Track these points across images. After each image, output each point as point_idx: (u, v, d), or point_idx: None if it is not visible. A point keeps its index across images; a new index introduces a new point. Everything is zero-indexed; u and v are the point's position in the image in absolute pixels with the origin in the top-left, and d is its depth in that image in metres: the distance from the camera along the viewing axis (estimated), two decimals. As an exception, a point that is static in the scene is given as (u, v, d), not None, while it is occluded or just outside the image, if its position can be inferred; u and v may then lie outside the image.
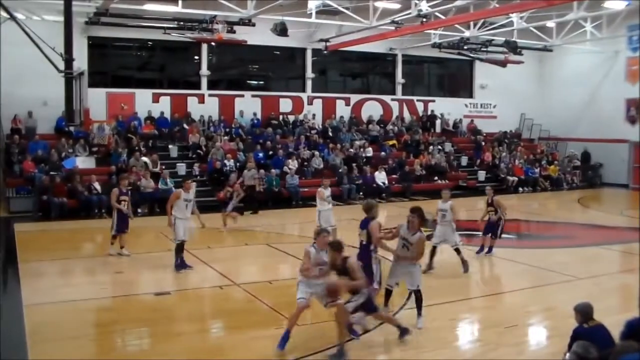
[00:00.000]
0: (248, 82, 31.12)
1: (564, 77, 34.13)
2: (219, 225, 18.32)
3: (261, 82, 31.47)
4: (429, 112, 33.17)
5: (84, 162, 23.43)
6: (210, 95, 28.54)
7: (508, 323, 9.86)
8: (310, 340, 9.14)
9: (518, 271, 13.79)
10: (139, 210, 21.50)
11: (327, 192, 16.15)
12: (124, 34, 26.07)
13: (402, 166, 27.79)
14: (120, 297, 11.48)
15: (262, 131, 28.10)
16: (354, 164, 26.69)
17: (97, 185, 21.27)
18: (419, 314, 9.72)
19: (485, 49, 31.41)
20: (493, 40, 30.44)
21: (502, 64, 31.35)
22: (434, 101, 33.63)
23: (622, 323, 6.77)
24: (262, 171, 24.05)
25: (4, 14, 17.56)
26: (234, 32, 25.15)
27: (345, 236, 14.74)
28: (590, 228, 20.60)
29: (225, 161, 24.46)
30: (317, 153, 27.24)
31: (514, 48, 29.41)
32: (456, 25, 27.63)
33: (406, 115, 32.92)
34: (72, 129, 23.91)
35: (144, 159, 23.58)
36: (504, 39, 29.20)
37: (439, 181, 28.25)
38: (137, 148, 24.43)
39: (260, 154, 25.94)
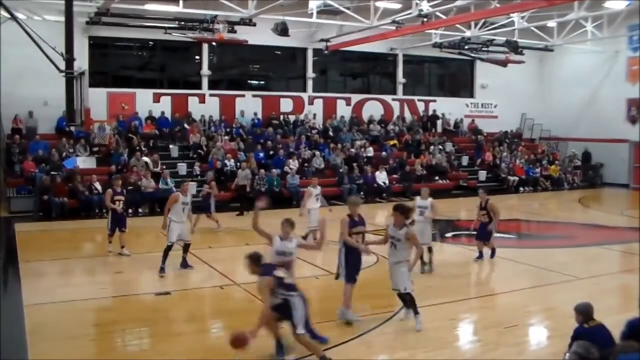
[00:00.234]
0: (249, 82, 31.13)
1: (564, 77, 34.11)
2: (216, 225, 18.30)
3: (262, 82, 31.47)
4: (431, 112, 33.14)
5: (84, 162, 23.44)
6: (211, 95, 28.54)
7: (508, 323, 9.85)
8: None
9: (518, 271, 13.78)
10: (140, 210, 21.55)
11: (316, 191, 16.20)
12: (124, 34, 26.09)
13: (403, 166, 27.78)
14: (121, 297, 11.48)
15: (262, 131, 28.10)
16: (354, 164, 26.68)
17: (97, 185, 21.26)
18: (415, 314, 9.51)
19: (486, 49, 31.41)
20: (494, 40, 30.44)
21: (503, 63, 31.33)
22: (434, 101, 33.62)
23: (623, 323, 6.77)
24: (262, 171, 24.04)
25: (5, 14, 17.57)
26: (235, 31, 25.14)
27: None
28: (590, 228, 20.59)
29: (226, 161, 24.45)
30: (317, 153, 27.23)
31: (514, 48, 29.42)
32: (457, 25, 27.62)
33: (407, 115, 32.91)
34: (72, 128, 23.92)
35: (145, 158, 23.58)
36: (504, 38, 29.21)
37: (440, 181, 28.27)
38: (137, 148, 24.44)
39: (261, 154, 25.94)
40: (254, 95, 29.54)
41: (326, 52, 28.97)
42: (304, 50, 30.40)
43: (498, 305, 11.22)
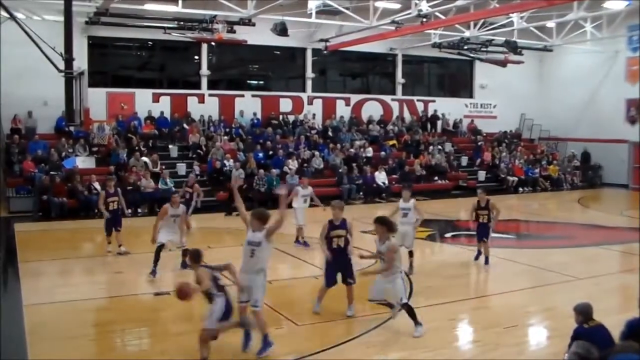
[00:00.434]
0: (248, 82, 31.14)
1: (564, 77, 34.13)
2: (216, 225, 18.31)
3: (261, 82, 31.49)
4: (431, 112, 33.15)
5: (84, 162, 23.45)
6: (210, 95, 28.55)
7: (508, 323, 9.85)
8: (309, 340, 9.15)
9: (518, 271, 13.78)
10: (139, 210, 21.53)
11: (304, 191, 16.18)
12: (124, 34, 26.10)
13: (402, 166, 27.78)
14: (120, 297, 11.48)
15: (262, 131, 28.10)
16: (354, 164, 26.68)
17: (97, 185, 21.21)
18: (415, 324, 9.32)
19: (485, 49, 31.44)
20: (493, 40, 30.47)
21: (502, 64, 31.36)
22: (434, 101, 33.64)
23: (622, 323, 6.78)
24: (261, 171, 24.03)
25: (5, 14, 17.56)
26: (234, 32, 25.17)
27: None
28: (590, 228, 20.60)
29: (225, 161, 24.45)
30: (317, 153, 27.23)
31: (514, 48, 29.43)
32: (456, 25, 27.65)
33: (406, 115, 32.92)
34: (72, 128, 23.94)
35: (144, 159, 23.59)
36: (504, 39, 29.22)
37: (439, 181, 28.28)
38: (137, 148, 24.45)
39: (260, 154, 25.93)
40: (253, 95, 29.56)
41: (325, 52, 28.98)
42: (303, 51, 30.41)
43: (497, 305, 11.21)
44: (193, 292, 7.91)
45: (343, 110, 31.33)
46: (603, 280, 12.78)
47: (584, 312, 6.95)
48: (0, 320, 9.66)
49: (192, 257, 8.45)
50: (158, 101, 27.41)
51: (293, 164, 25.55)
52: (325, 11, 25.17)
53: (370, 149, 28.78)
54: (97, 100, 25.44)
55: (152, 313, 10.32)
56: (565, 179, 31.41)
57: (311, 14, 24.81)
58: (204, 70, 28.48)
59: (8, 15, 17.41)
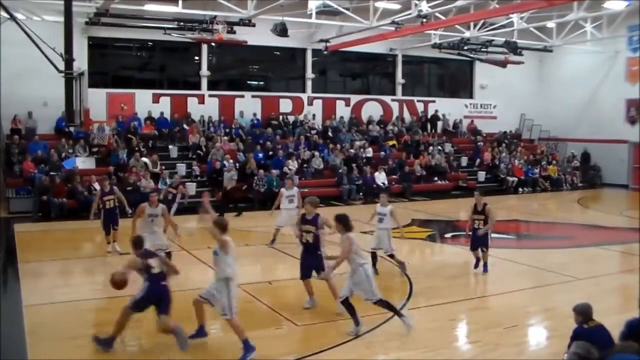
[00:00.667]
0: (248, 82, 31.14)
1: (564, 77, 34.13)
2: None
3: (261, 83, 31.50)
4: (432, 113, 33.16)
5: (83, 162, 23.45)
6: (210, 95, 28.56)
7: (508, 323, 9.86)
8: (309, 340, 9.15)
9: (518, 272, 13.79)
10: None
11: (289, 192, 16.14)
12: (124, 35, 26.12)
13: (402, 167, 27.79)
14: (120, 298, 11.39)
15: (262, 131, 28.11)
16: (354, 165, 26.68)
17: (97, 186, 21.14)
18: (399, 316, 9.37)
19: (485, 50, 31.45)
20: (493, 40, 30.48)
21: (502, 64, 31.36)
22: (434, 101, 33.66)
23: (622, 323, 6.78)
24: (261, 171, 24.04)
25: (5, 14, 17.57)
26: (234, 32, 25.19)
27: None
28: (590, 228, 20.61)
29: (225, 162, 24.45)
30: (317, 153, 27.24)
31: (514, 48, 29.43)
32: (456, 26, 27.69)
33: (406, 115, 32.93)
34: (72, 129, 23.93)
35: (144, 159, 23.58)
36: (504, 39, 29.22)
37: (439, 182, 28.28)
38: (137, 148, 24.45)
39: (260, 155, 25.93)
40: (253, 96, 29.56)
41: (325, 52, 28.99)
42: (303, 51, 30.42)
43: (497, 305, 11.22)
44: (125, 279, 8.66)
45: (343, 111, 31.34)
46: (603, 280, 12.79)
47: (583, 313, 6.96)
48: (0, 321, 9.66)
49: (133, 244, 9.09)
50: (158, 102, 27.41)
51: (293, 165, 25.57)
52: (325, 12, 25.17)
53: (370, 149, 28.78)
54: (97, 101, 25.45)
55: (152, 313, 10.29)
56: (565, 180, 31.41)
57: (311, 14, 24.81)
58: (204, 70, 28.49)
59: (8, 16, 17.42)
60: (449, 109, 33.83)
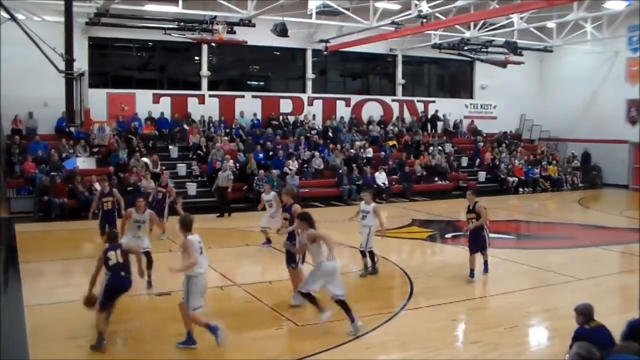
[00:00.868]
0: (248, 82, 31.13)
1: (564, 77, 34.12)
2: (216, 226, 18.24)
3: (261, 83, 31.49)
4: (432, 113, 33.16)
5: (84, 162, 23.45)
6: (210, 95, 28.56)
7: (508, 324, 9.87)
8: (309, 340, 9.15)
9: (518, 272, 13.80)
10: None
11: (266, 197, 16.16)
12: (124, 35, 26.12)
13: (403, 167, 27.79)
14: (121, 298, 11.46)
15: (262, 132, 28.11)
16: (354, 165, 26.68)
17: (97, 186, 21.16)
18: (350, 319, 9.37)
19: (485, 50, 31.43)
20: (493, 40, 30.46)
21: (503, 64, 31.37)
22: (434, 102, 33.66)
23: (624, 324, 6.78)
24: (261, 172, 24.04)
25: (5, 15, 17.56)
26: (234, 32, 25.18)
27: (345, 237, 14.75)
28: (590, 229, 20.61)
29: (225, 162, 24.42)
30: (317, 154, 27.25)
31: (514, 49, 29.43)
32: (456, 26, 27.68)
33: (406, 115, 32.94)
34: (72, 129, 23.90)
35: (145, 159, 23.57)
36: (504, 39, 29.21)
37: (440, 182, 28.28)
38: (137, 148, 24.46)
39: (261, 155, 25.93)
40: (253, 96, 29.56)
41: (325, 52, 28.97)
42: (303, 51, 30.42)
43: (498, 306, 11.22)
44: (93, 300, 8.91)
45: (343, 111, 31.35)
46: (604, 280, 12.80)
47: (585, 313, 6.95)
48: (1, 321, 9.67)
49: (107, 238, 9.59)
50: (158, 102, 27.42)
51: (293, 165, 25.56)
52: (325, 12, 25.17)
53: (370, 149, 28.78)
54: (97, 101, 25.41)
55: (153, 313, 10.33)
56: (566, 180, 31.39)
57: (311, 14, 24.80)
58: (204, 71, 28.50)
59: (8, 16, 17.39)
60: (449, 109, 33.83)
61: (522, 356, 8.75)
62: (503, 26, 27.87)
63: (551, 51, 33.22)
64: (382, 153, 29.04)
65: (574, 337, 6.74)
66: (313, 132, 29.20)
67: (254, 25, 24.67)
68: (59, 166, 22.58)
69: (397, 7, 25.10)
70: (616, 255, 16.25)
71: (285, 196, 11.37)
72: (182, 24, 24.96)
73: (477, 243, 12.77)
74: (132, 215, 12.05)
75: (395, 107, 32.73)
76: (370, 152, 28.58)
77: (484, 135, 33.35)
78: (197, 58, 28.57)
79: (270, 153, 26.42)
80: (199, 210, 21.56)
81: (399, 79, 33.02)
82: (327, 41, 28.46)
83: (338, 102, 31.39)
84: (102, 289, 8.92)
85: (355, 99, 31.84)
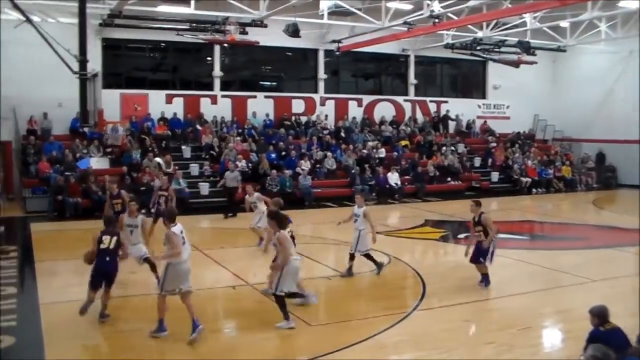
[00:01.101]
0: (260, 83, 31.16)
1: (577, 77, 33.92)
2: (228, 226, 18.24)
3: (274, 83, 31.53)
4: (443, 113, 33.09)
5: (98, 162, 23.58)
6: (223, 96, 28.63)
7: (522, 325, 9.83)
8: (321, 340, 9.16)
9: (531, 273, 13.72)
10: (152, 211, 21.59)
11: (250, 198, 16.11)
12: (137, 36, 26.20)
13: (415, 167, 27.74)
14: (133, 297, 11.53)
15: (274, 132, 28.15)
16: (366, 165, 26.67)
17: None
18: (284, 317, 9.55)
19: (498, 50, 31.29)
20: (506, 40, 30.31)
21: (516, 64, 31.23)
22: (446, 102, 33.57)
23: (639, 326, 6.74)
24: (274, 172, 24.08)
25: (21, 17, 17.70)
26: (247, 33, 25.18)
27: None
28: (604, 230, 20.47)
29: (238, 162, 24.51)
30: (329, 154, 27.25)
31: (527, 48, 29.28)
32: (469, 26, 27.60)
33: (419, 116, 32.88)
34: (86, 129, 24.09)
35: (157, 159, 23.67)
36: (517, 39, 29.08)
37: (452, 182, 28.20)
38: (150, 149, 24.56)
39: (273, 155, 25.97)
40: (265, 96, 29.61)
41: (337, 53, 28.94)
42: (315, 52, 30.44)
43: (511, 307, 11.16)
44: (92, 257, 9.88)
45: (355, 111, 31.33)
46: (618, 282, 12.69)
47: (599, 315, 6.90)
48: (18, 319, 9.75)
49: (103, 222, 10.35)
50: (171, 102, 27.51)
51: (306, 165, 25.57)
52: (337, 12, 25.14)
53: (382, 149, 28.76)
54: (110, 102, 25.59)
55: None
56: (580, 180, 31.18)
57: (323, 15, 24.78)
58: (217, 71, 28.57)
59: (24, 18, 17.54)
60: (462, 109, 33.72)
61: (536, 357, 8.71)
62: (516, 26, 27.75)
63: (564, 51, 32.99)
64: (395, 153, 28.99)
65: (589, 339, 6.70)
66: (325, 132, 29.21)
67: (266, 26, 24.69)
68: (73, 166, 22.74)
69: (409, 7, 25.02)
70: (631, 256, 16.04)
71: (273, 207, 11.75)
72: (195, 24, 25.00)
73: (479, 253, 11.92)
74: (125, 220, 11.88)
75: (407, 107, 32.67)
76: (382, 153, 28.56)
77: (497, 135, 33.22)
78: (209, 59, 28.65)
79: (283, 153, 26.45)
80: (211, 210, 21.68)
81: (411, 79, 32.97)
82: (339, 41, 28.44)
83: (350, 102, 31.39)
84: (92, 272, 9.86)
85: (367, 99, 31.82)
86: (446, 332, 9.51)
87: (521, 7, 23.85)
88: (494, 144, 31.98)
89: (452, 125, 33.14)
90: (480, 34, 28.90)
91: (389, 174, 26.53)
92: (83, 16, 16.22)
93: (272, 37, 25.60)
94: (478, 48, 30.88)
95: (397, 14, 24.79)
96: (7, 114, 23.52)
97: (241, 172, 23.98)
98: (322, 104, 30.63)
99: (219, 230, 17.72)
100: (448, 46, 30.41)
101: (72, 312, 10.33)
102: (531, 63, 31.23)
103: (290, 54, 30.63)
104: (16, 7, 17.66)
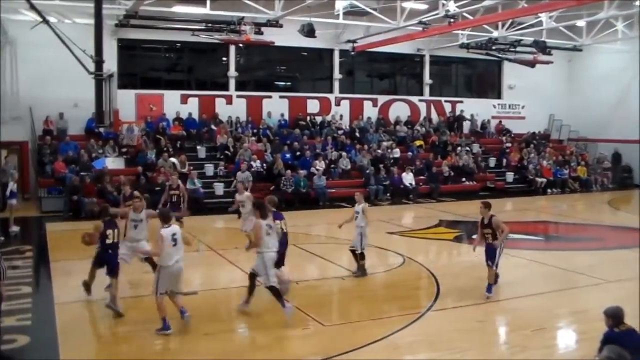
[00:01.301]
0: (276, 83, 31.21)
1: (594, 77, 33.68)
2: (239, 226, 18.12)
3: (289, 83, 31.57)
4: (457, 113, 32.99)
5: (113, 162, 23.71)
6: (238, 96, 28.70)
7: (536, 326, 9.79)
8: (336, 340, 9.17)
9: (546, 273, 13.65)
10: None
11: (239, 197, 16.00)
12: (152, 36, 26.36)
13: (430, 167, 27.68)
14: (148, 297, 11.52)
15: (289, 132, 28.19)
16: (381, 165, 26.61)
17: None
18: (283, 306, 9.89)
19: (513, 49, 31.15)
20: (522, 40, 30.19)
21: (531, 64, 31.08)
22: (461, 102, 33.46)
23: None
24: (289, 172, 24.13)
25: (37, 17, 17.84)
26: (262, 33, 25.24)
27: (372, 238, 14.74)
28: (620, 230, 20.31)
29: (252, 162, 24.58)
30: (344, 154, 27.23)
31: (543, 48, 29.15)
32: (484, 26, 27.50)
33: (434, 116, 32.80)
34: (101, 130, 24.20)
35: (172, 159, 23.77)
36: (532, 39, 28.95)
37: (467, 182, 28.10)
38: (165, 149, 24.68)
39: (288, 155, 26.01)
40: (280, 97, 29.66)
41: (353, 53, 28.96)
42: (330, 52, 30.45)
43: (525, 307, 11.10)
44: (92, 240, 10.72)
45: (370, 111, 31.32)
46: (633, 283, 12.59)
47: (614, 316, 6.84)
48: (33, 318, 9.82)
49: (98, 212, 11.27)
50: (186, 102, 27.63)
51: (320, 165, 25.58)
52: (353, 12, 25.17)
53: (397, 149, 28.72)
54: (126, 102, 25.70)
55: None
56: (595, 181, 30.96)
57: (338, 15, 24.82)
58: (232, 71, 28.66)
59: (40, 19, 17.66)
60: (477, 109, 33.61)
61: (550, 358, 8.68)
62: (531, 25, 27.60)
63: (581, 50, 32.77)
64: (410, 153, 28.95)
65: (603, 340, 6.65)
66: (340, 132, 29.20)
67: (281, 26, 24.74)
68: (89, 166, 22.89)
69: (424, 7, 24.97)
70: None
71: (267, 205, 11.52)
72: (210, 25, 25.10)
73: (487, 255, 11.55)
74: (130, 216, 11.88)
75: (422, 107, 32.60)
76: (397, 153, 28.52)
77: (512, 135, 33.07)
78: (224, 59, 28.75)
79: (298, 153, 26.48)
80: (225, 210, 21.68)
81: (427, 79, 32.90)
82: (354, 41, 28.44)
83: (365, 102, 31.37)
84: (94, 256, 10.80)
85: (382, 99, 31.79)
86: (460, 333, 9.49)
87: (537, 6, 23.74)
88: (509, 144, 31.84)
89: (466, 125, 33.03)
90: (495, 34, 28.78)
91: (404, 174, 26.48)
92: (99, 17, 16.29)
93: (287, 37, 25.65)
94: (493, 48, 30.78)
95: (412, 14, 24.76)
96: (23, 114, 23.78)
97: (256, 172, 24.11)
98: (337, 104, 30.64)
99: (233, 230, 17.69)
100: (463, 46, 30.32)
101: (86, 312, 10.44)
102: (547, 63, 31.07)
103: (305, 54, 30.66)
104: (33, 8, 17.78)
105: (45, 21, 17.55)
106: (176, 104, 27.26)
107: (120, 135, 25.02)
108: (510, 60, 31.75)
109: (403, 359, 8.91)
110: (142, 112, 26.55)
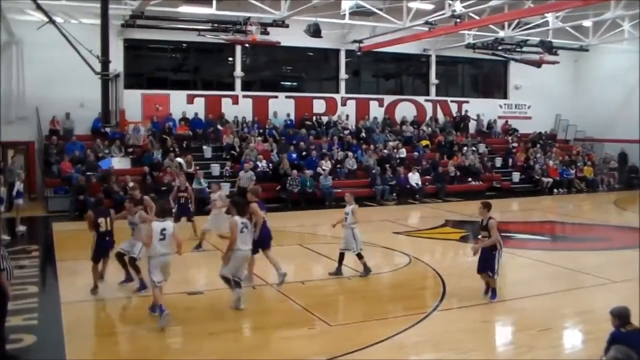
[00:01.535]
0: (282, 83, 31.24)
1: (600, 77, 33.59)
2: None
3: (295, 83, 31.58)
4: (463, 113, 32.95)
5: (119, 162, 23.78)
6: (244, 96, 28.75)
7: (542, 326, 9.75)
8: (341, 340, 9.16)
9: (552, 273, 13.60)
10: (173, 211, 21.70)
11: (213, 196, 16.02)
12: (158, 36, 26.45)
13: (436, 167, 27.64)
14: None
15: (295, 132, 28.21)
16: (387, 165, 26.60)
17: (131, 185, 21.46)
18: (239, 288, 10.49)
19: (519, 49, 31.11)
20: (528, 40, 30.17)
21: (537, 64, 31.03)
22: (467, 102, 33.43)
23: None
24: (295, 172, 24.13)
25: (44, 18, 17.91)
26: (268, 33, 25.28)
27: (378, 237, 14.74)
28: (626, 230, 20.23)
29: (258, 162, 24.59)
30: (350, 154, 27.23)
31: (549, 48, 29.10)
32: (490, 26, 27.45)
33: (440, 116, 32.76)
34: (108, 130, 24.30)
35: (179, 159, 23.82)
36: (539, 39, 28.92)
37: (473, 182, 28.05)
38: (171, 149, 24.72)
39: (294, 155, 26.02)
40: (286, 97, 29.69)
41: (359, 53, 28.97)
42: (336, 52, 30.45)
43: (531, 308, 11.07)
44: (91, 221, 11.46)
45: (376, 111, 31.31)
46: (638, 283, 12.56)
47: (621, 316, 6.83)
48: (39, 318, 9.84)
49: (95, 203, 12.70)
50: (192, 102, 27.68)
51: (326, 165, 25.59)
52: (359, 12, 25.20)
53: (403, 149, 28.69)
54: (132, 102, 25.81)
55: (185, 312, 10.42)
56: (602, 181, 30.88)
57: (344, 15, 24.83)
58: (238, 71, 28.69)
59: (47, 19, 17.73)
60: (483, 109, 33.58)
61: (556, 358, 8.65)
62: (538, 25, 27.58)
63: (587, 50, 32.70)
64: (416, 153, 28.93)
65: (610, 341, 6.64)
66: (346, 132, 29.21)
67: (287, 26, 24.77)
68: (95, 166, 22.95)
69: (430, 7, 24.98)
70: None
71: (250, 195, 12.26)
72: (216, 25, 25.17)
73: (486, 263, 11.20)
74: (127, 218, 11.97)
75: (428, 107, 32.58)
76: (403, 153, 28.50)
77: (518, 135, 33.01)
78: (230, 59, 28.79)
79: (304, 153, 26.49)
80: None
81: (433, 79, 32.87)
82: (360, 41, 28.45)
83: (371, 102, 31.36)
84: (94, 248, 11.47)
85: (388, 99, 31.78)
86: (466, 333, 9.47)
87: (543, 6, 23.72)
88: (515, 144, 31.78)
89: (472, 125, 32.98)
90: (501, 34, 28.75)
91: (410, 174, 26.47)
92: (105, 17, 16.34)
93: (293, 37, 25.68)
94: (499, 48, 30.74)
95: (419, 14, 24.75)
96: (29, 114, 23.86)
97: (262, 172, 24.11)
98: (343, 104, 30.65)
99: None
100: (469, 46, 30.29)
101: (93, 312, 10.45)
102: (553, 63, 31.02)
103: (311, 54, 30.68)
104: (39, 8, 17.86)
105: (52, 21, 17.64)
106: (182, 104, 27.31)
107: (126, 135, 25.07)
108: (516, 60, 31.70)
109: (408, 359, 8.90)
110: (148, 112, 26.61)
